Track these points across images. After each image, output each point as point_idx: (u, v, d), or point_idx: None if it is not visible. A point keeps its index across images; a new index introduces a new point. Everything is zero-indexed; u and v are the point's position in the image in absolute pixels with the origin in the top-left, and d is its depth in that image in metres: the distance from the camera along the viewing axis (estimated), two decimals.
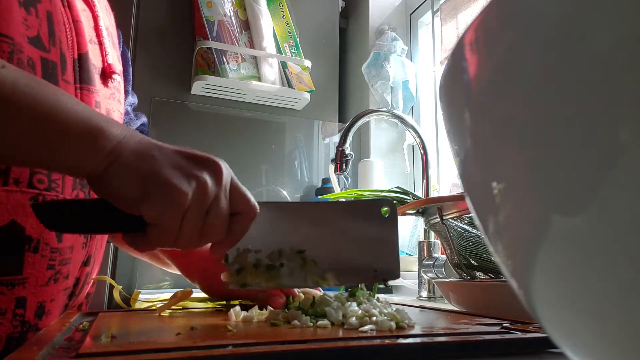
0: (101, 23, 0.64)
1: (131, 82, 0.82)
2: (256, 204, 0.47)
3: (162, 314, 0.57)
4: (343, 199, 1.14)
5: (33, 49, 0.51)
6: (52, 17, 0.55)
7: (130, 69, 0.81)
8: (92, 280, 0.66)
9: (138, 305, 0.75)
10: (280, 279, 0.52)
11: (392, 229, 0.58)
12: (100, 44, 0.64)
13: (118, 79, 0.67)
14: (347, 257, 0.54)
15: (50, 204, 0.43)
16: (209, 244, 0.48)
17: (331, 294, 0.53)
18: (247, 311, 0.49)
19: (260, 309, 0.50)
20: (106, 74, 0.63)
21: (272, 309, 0.47)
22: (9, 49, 0.49)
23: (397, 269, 0.57)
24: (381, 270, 0.54)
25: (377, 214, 0.57)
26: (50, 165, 0.43)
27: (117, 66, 0.68)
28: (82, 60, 0.59)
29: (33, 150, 0.40)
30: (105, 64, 0.64)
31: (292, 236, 0.53)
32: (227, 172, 0.45)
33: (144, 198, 0.41)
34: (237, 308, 0.50)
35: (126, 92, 0.80)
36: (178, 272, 0.70)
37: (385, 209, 0.58)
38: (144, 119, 0.85)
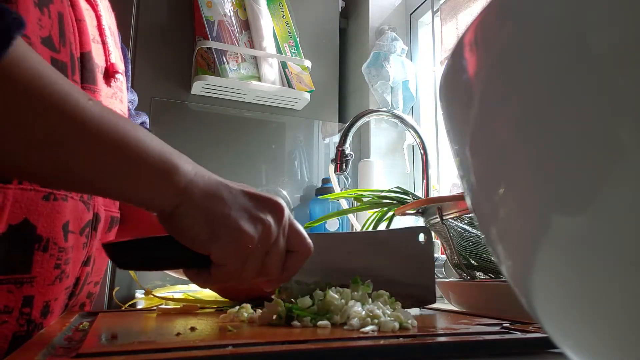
0: (104, 22, 0.64)
1: (130, 80, 0.82)
2: (311, 243, 0.48)
3: (161, 313, 0.57)
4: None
5: (45, 49, 0.52)
6: (62, 18, 0.55)
7: (129, 66, 0.82)
8: (95, 281, 0.66)
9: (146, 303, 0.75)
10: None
11: (428, 256, 0.61)
12: (104, 43, 0.64)
13: (121, 79, 0.67)
14: (385, 283, 0.56)
15: (122, 245, 0.44)
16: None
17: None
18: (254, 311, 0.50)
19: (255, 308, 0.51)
20: (109, 74, 0.63)
21: (265, 308, 0.47)
22: None
23: (433, 295, 0.60)
24: (418, 296, 0.56)
25: (413, 241, 0.61)
26: (126, 199, 0.43)
27: (120, 65, 0.68)
28: (84, 60, 0.59)
29: (112, 183, 0.40)
30: (108, 63, 0.64)
31: (337, 266, 0.56)
32: (287, 212, 0.47)
33: (213, 240, 0.42)
34: (236, 308, 0.50)
35: (127, 90, 0.80)
36: (184, 277, 0.70)
37: (422, 235, 0.61)
38: (144, 118, 0.85)
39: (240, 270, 0.43)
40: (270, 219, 0.44)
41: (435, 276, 0.85)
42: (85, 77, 0.59)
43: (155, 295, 0.65)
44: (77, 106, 0.37)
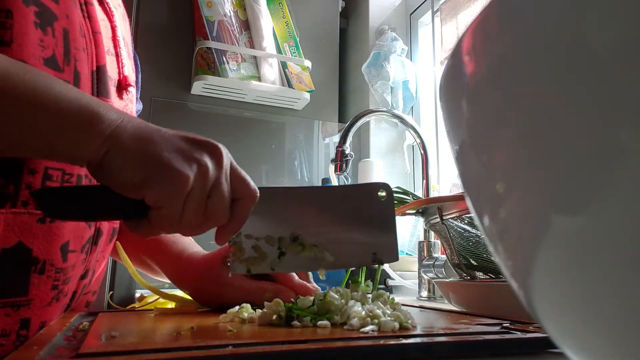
0: (119, 34, 0.64)
1: (140, 90, 0.82)
2: (256, 188, 0.47)
3: (160, 313, 0.57)
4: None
5: (49, 71, 0.51)
6: (68, 35, 0.54)
7: (140, 76, 0.81)
8: (93, 291, 0.66)
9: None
10: (283, 264, 0.52)
11: (389, 212, 0.58)
12: (117, 55, 0.63)
13: (133, 91, 0.66)
14: (345, 240, 0.54)
15: (50, 190, 0.43)
16: (199, 249, 0.48)
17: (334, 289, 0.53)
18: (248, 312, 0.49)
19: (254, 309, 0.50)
20: (122, 86, 0.63)
21: (265, 309, 0.47)
22: None
23: (395, 251, 0.57)
24: (380, 252, 0.54)
25: (374, 198, 0.58)
26: (49, 154, 0.42)
27: (132, 76, 0.67)
28: (100, 73, 0.59)
29: (30, 138, 0.40)
30: (121, 76, 0.63)
31: (291, 221, 0.53)
32: (227, 156, 0.45)
33: (146, 182, 0.41)
34: (236, 308, 0.50)
35: (137, 100, 0.80)
36: (168, 281, 0.70)
37: (382, 192, 0.58)
38: None
39: (179, 212, 0.42)
40: (207, 159, 0.43)
41: (435, 276, 0.85)
42: (101, 90, 0.58)
43: (157, 291, 0.65)
44: None
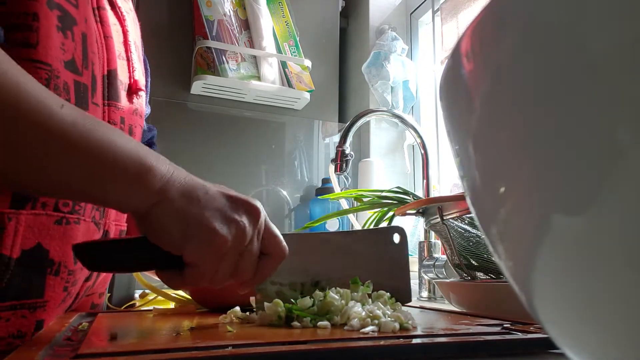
0: (130, 38, 0.64)
1: (149, 94, 0.82)
2: (286, 246, 0.48)
3: (159, 313, 0.57)
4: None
5: (68, 73, 0.52)
6: (86, 39, 0.54)
7: (149, 80, 0.81)
8: (100, 292, 0.66)
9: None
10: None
11: (402, 254, 0.62)
12: (128, 60, 0.63)
13: (143, 95, 0.66)
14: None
15: (91, 245, 0.44)
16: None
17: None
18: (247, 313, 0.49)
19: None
20: (132, 90, 0.63)
21: (265, 309, 0.47)
22: (46, 75, 0.49)
23: (408, 292, 0.62)
24: (394, 293, 0.56)
25: (389, 242, 0.62)
26: (100, 201, 0.43)
27: (142, 80, 0.68)
28: (110, 77, 0.59)
29: (85, 186, 0.41)
30: (132, 80, 0.63)
31: (312, 267, 0.57)
32: (263, 215, 0.46)
33: (187, 240, 0.42)
34: (237, 308, 0.50)
35: (145, 104, 0.80)
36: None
37: (396, 236, 0.62)
38: (154, 132, 0.85)
39: (213, 271, 0.43)
40: (245, 220, 0.44)
41: (436, 276, 0.85)
42: (111, 94, 0.59)
43: (157, 291, 0.65)
44: (45, 112, 0.37)
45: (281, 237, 0.48)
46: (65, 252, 0.52)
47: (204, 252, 0.42)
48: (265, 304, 0.47)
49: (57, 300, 0.53)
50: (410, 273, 1.18)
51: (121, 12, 0.64)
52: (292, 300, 0.47)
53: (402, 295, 0.60)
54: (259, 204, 0.46)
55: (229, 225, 0.43)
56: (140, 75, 0.66)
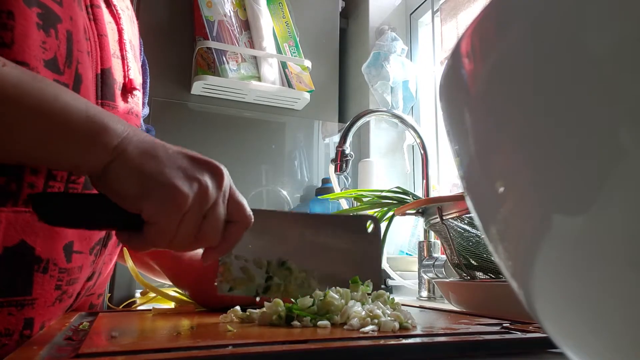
0: (125, 36, 0.63)
1: (147, 95, 0.82)
2: (251, 213, 0.47)
3: (159, 313, 0.57)
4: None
5: (48, 73, 0.51)
6: (71, 37, 0.53)
7: (148, 80, 0.81)
8: (99, 293, 0.66)
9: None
10: (270, 290, 0.54)
11: (375, 244, 0.61)
12: (123, 58, 0.63)
13: (138, 95, 0.66)
14: (331, 269, 0.56)
15: (48, 196, 0.43)
16: (200, 251, 0.48)
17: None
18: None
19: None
20: (127, 90, 0.63)
21: (265, 309, 0.47)
22: None
23: (379, 283, 0.60)
24: (364, 281, 0.56)
25: (362, 229, 0.61)
26: (53, 163, 0.43)
27: (138, 80, 0.67)
28: (104, 76, 0.58)
29: (36, 147, 0.40)
30: (127, 79, 0.63)
31: (281, 246, 0.55)
32: (228, 178, 0.46)
33: (145, 196, 0.41)
34: (237, 308, 0.50)
35: (144, 104, 0.79)
36: (169, 282, 0.70)
37: (370, 224, 0.61)
38: (153, 132, 0.85)
39: (173, 231, 0.42)
40: (208, 180, 0.43)
41: (435, 276, 0.85)
42: (105, 93, 0.58)
43: (157, 291, 0.65)
44: None
45: (246, 204, 0.47)
46: (54, 250, 0.52)
47: (163, 209, 0.41)
48: (265, 303, 0.47)
49: (49, 299, 0.52)
50: (410, 272, 1.19)
51: (116, 10, 0.63)
52: (256, 278, 0.47)
53: (373, 282, 0.58)
54: (223, 167, 0.45)
55: (190, 183, 0.42)
56: (135, 75, 0.65)
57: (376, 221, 0.61)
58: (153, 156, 0.42)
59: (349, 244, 0.59)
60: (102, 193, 0.42)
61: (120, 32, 0.63)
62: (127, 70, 0.63)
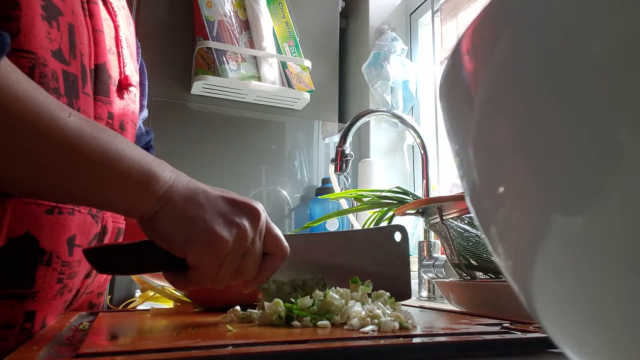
0: (121, 33, 0.64)
1: (147, 97, 0.82)
2: (287, 246, 0.49)
3: (159, 313, 0.57)
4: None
5: (56, 62, 0.52)
6: (73, 30, 0.55)
7: (147, 83, 0.81)
8: (99, 292, 0.66)
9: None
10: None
11: (403, 252, 0.64)
12: (119, 55, 0.63)
13: (134, 91, 0.66)
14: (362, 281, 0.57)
15: (102, 249, 0.46)
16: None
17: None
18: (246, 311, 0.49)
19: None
20: (122, 86, 0.63)
21: (266, 309, 0.47)
22: (29, 63, 0.49)
23: (408, 289, 0.63)
24: (394, 291, 0.56)
25: (389, 239, 0.63)
26: (104, 207, 0.45)
27: (134, 77, 0.67)
28: (98, 72, 0.59)
29: (92, 193, 0.42)
30: (122, 76, 0.63)
31: (313, 265, 0.58)
32: (264, 216, 0.48)
33: (189, 242, 0.43)
34: (237, 308, 0.50)
35: (142, 107, 0.80)
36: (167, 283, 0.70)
37: (397, 234, 0.64)
38: (152, 136, 0.85)
39: (215, 272, 0.44)
40: (246, 223, 0.45)
41: (435, 276, 0.85)
42: (99, 88, 0.59)
43: (157, 290, 0.65)
44: (53, 122, 0.38)
45: (282, 237, 0.49)
46: (58, 243, 0.52)
47: (205, 254, 0.43)
48: (265, 303, 0.47)
49: (50, 292, 0.52)
50: (410, 273, 1.18)
51: (112, 8, 0.64)
52: (292, 299, 0.48)
53: (402, 292, 0.61)
54: (259, 206, 0.47)
55: (229, 228, 0.44)
56: (132, 72, 0.65)
57: (403, 230, 0.63)
58: (196, 202, 0.44)
59: (378, 255, 0.62)
60: (149, 238, 0.45)
61: (116, 29, 0.64)
62: (123, 67, 0.63)
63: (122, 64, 0.63)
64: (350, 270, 0.58)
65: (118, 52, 0.63)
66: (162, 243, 0.44)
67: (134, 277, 0.65)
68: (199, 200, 0.44)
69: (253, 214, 0.46)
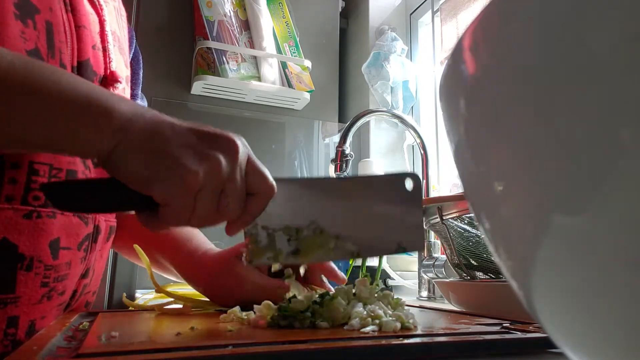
0: (107, 28, 0.62)
1: (141, 86, 0.80)
2: (274, 183, 0.46)
3: (160, 313, 0.57)
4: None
5: None
6: (52, 27, 0.52)
7: (141, 72, 0.79)
8: (93, 291, 0.66)
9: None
10: (301, 257, 0.51)
11: (415, 202, 0.56)
12: (104, 50, 0.62)
13: (121, 87, 0.64)
14: (370, 231, 0.53)
15: (60, 184, 0.43)
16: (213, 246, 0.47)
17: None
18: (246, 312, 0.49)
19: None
20: (108, 82, 0.61)
21: (258, 312, 0.47)
22: None
23: (420, 241, 0.56)
24: (405, 241, 0.53)
25: (401, 187, 0.56)
26: (57, 148, 0.42)
27: (123, 72, 0.66)
28: (82, 69, 0.57)
29: (37, 132, 0.39)
30: (108, 72, 0.62)
31: (312, 212, 0.51)
32: (244, 149, 0.44)
33: (153, 178, 0.40)
34: (237, 308, 0.50)
35: (135, 96, 0.78)
36: (182, 280, 0.69)
37: (409, 182, 0.56)
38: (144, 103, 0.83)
39: (189, 209, 0.41)
40: (219, 155, 0.41)
41: (436, 276, 0.85)
42: None
43: (167, 293, 0.64)
44: None
45: (268, 174, 0.45)
46: (38, 247, 0.51)
47: (173, 190, 0.40)
48: (255, 306, 0.46)
49: (34, 296, 0.51)
50: (410, 272, 1.19)
51: (98, 2, 0.62)
52: (282, 248, 0.45)
53: (412, 243, 0.55)
54: (238, 139, 0.44)
55: (200, 161, 0.41)
56: (119, 67, 0.63)
57: (416, 178, 0.56)
58: (159, 135, 0.41)
59: (387, 206, 0.55)
60: (113, 176, 0.41)
61: (102, 23, 0.61)
62: (109, 62, 0.62)
63: (107, 59, 0.62)
64: (353, 220, 0.53)
65: (104, 47, 0.61)
66: (125, 181, 0.40)
67: (150, 276, 0.63)
68: (164, 132, 0.41)
69: (228, 146, 0.42)
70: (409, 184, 0.56)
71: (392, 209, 0.55)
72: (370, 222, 0.53)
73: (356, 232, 0.51)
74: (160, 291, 0.62)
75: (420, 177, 1.19)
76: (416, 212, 0.56)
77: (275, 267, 0.53)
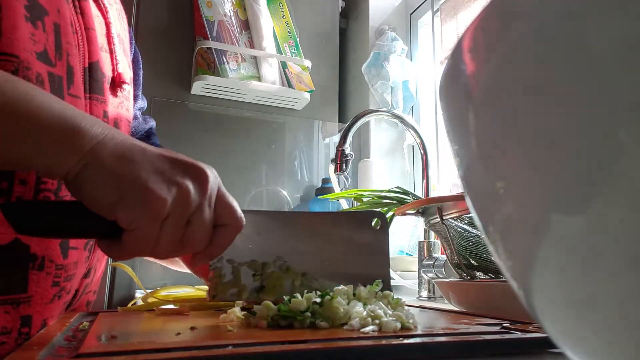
0: (113, 30, 0.63)
1: (141, 86, 0.81)
2: (242, 216, 0.45)
3: (161, 313, 0.57)
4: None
5: (41, 65, 0.50)
6: (59, 29, 0.53)
7: (141, 72, 0.80)
8: (94, 290, 0.66)
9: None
10: (264, 291, 0.50)
11: (381, 240, 0.57)
12: (111, 52, 0.62)
13: (127, 89, 0.65)
14: (336, 269, 0.53)
15: (21, 205, 0.41)
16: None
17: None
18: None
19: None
20: (116, 84, 0.62)
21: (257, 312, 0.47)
22: (12, 67, 0.48)
23: (387, 281, 0.56)
24: (370, 278, 0.53)
25: (367, 226, 0.56)
26: (24, 165, 0.41)
27: (127, 74, 0.66)
28: (92, 70, 0.58)
29: (6, 148, 0.39)
30: (115, 73, 0.62)
31: (278, 248, 0.51)
32: (214, 180, 0.43)
33: (119, 202, 0.39)
34: (237, 308, 0.50)
35: (136, 97, 0.79)
36: (188, 271, 0.69)
37: (376, 220, 0.57)
38: (152, 123, 0.83)
39: (153, 238, 0.40)
40: (189, 183, 0.41)
41: (435, 276, 0.85)
42: (93, 87, 0.57)
43: (156, 297, 0.65)
44: None
45: (237, 206, 0.45)
46: (50, 247, 0.51)
47: (139, 215, 0.39)
48: (256, 307, 0.46)
49: (46, 296, 0.52)
50: (410, 272, 1.19)
51: (104, 4, 0.62)
52: (246, 284, 0.45)
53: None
54: (209, 169, 0.43)
55: (169, 187, 0.40)
56: (125, 69, 0.64)
57: (383, 217, 0.57)
58: (129, 160, 0.40)
59: (353, 242, 0.55)
60: (78, 199, 0.41)
61: (108, 25, 0.62)
62: (116, 64, 0.62)
63: (114, 61, 0.62)
64: (319, 256, 0.52)
65: (110, 50, 0.62)
66: (90, 205, 0.40)
67: (137, 282, 0.64)
68: (134, 157, 0.40)
69: (199, 175, 0.42)
70: (375, 222, 0.57)
71: (359, 247, 0.56)
72: (336, 259, 0.53)
73: (322, 269, 0.51)
74: (145, 297, 0.62)
75: (421, 177, 1.19)
76: (383, 249, 0.57)
77: (239, 304, 0.52)
